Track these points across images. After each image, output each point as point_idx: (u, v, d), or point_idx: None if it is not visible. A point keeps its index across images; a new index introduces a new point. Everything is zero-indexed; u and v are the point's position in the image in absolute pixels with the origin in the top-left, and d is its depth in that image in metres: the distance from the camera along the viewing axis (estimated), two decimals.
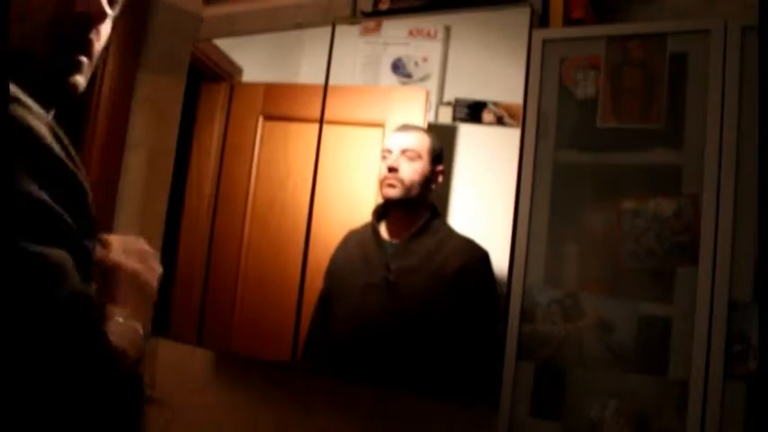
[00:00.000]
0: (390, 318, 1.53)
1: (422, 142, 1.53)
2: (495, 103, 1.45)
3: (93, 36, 0.66)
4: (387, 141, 1.58)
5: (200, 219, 1.90)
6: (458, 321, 1.46)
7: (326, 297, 1.64)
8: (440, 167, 1.52)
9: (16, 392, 0.47)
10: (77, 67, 0.65)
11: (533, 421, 1.26)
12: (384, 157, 1.56)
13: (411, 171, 1.52)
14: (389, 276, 1.52)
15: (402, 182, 1.52)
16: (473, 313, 1.45)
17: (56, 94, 0.64)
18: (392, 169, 1.53)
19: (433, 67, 1.56)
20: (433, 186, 1.52)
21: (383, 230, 1.57)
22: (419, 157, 1.52)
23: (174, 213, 1.95)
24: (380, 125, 1.60)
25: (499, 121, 1.44)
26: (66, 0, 0.62)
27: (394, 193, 1.53)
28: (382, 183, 1.55)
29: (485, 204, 1.43)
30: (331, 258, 1.63)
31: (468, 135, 1.48)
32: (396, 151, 1.54)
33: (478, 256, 1.43)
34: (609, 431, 1.19)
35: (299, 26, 1.87)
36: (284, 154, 1.75)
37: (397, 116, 1.58)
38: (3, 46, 0.56)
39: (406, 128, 1.57)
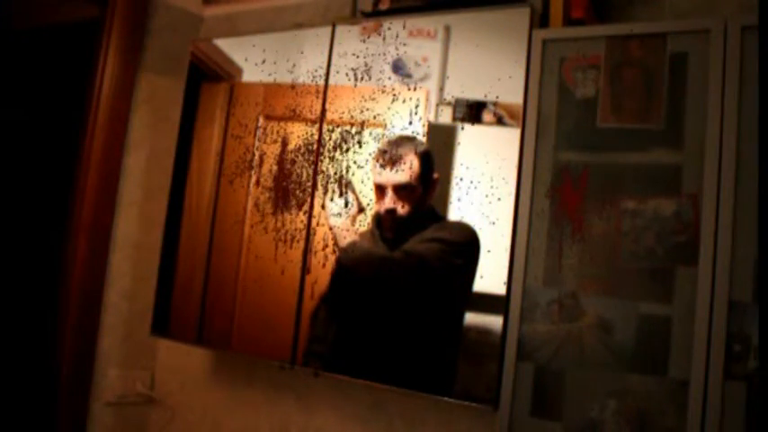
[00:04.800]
0: (392, 308, 1.54)
1: (412, 171, 1.53)
2: (495, 103, 1.45)
3: None
4: (378, 174, 1.57)
5: (200, 219, 1.90)
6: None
7: (330, 295, 1.64)
8: (434, 177, 1.52)
9: None
10: None
11: (533, 421, 1.27)
12: (377, 193, 1.57)
13: (408, 207, 1.54)
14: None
15: (401, 218, 1.54)
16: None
17: None
18: (390, 211, 1.54)
19: (433, 67, 1.56)
20: (432, 195, 1.53)
21: (384, 231, 1.58)
22: (412, 189, 1.53)
23: (174, 213, 1.95)
24: (381, 125, 1.60)
25: (499, 121, 1.44)
26: None
27: (395, 232, 1.55)
28: (378, 217, 1.58)
29: (484, 204, 1.43)
30: (337, 260, 1.63)
31: (468, 135, 1.48)
32: (389, 190, 1.54)
33: (465, 232, 1.46)
34: (609, 431, 1.19)
35: (299, 26, 1.87)
36: (285, 154, 1.75)
37: (397, 116, 1.58)
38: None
39: (395, 149, 1.55)
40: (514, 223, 1.35)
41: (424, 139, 1.55)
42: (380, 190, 1.57)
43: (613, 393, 1.20)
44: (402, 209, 1.54)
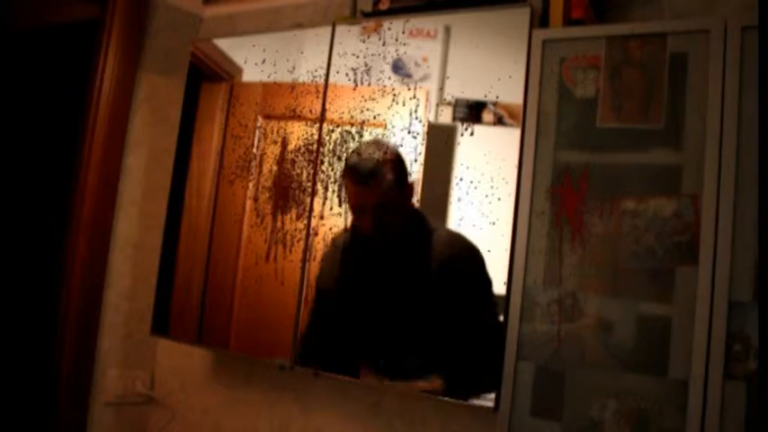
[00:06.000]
0: (379, 316, 1.53)
1: (385, 188, 1.49)
2: (495, 103, 1.45)
3: None
4: (350, 194, 1.55)
5: (200, 219, 1.90)
6: (448, 313, 1.46)
7: (319, 300, 1.64)
8: (409, 183, 1.50)
9: None
10: None
11: (533, 421, 1.26)
12: (353, 212, 1.55)
13: (385, 223, 1.50)
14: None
15: (384, 236, 1.51)
16: (466, 306, 1.45)
17: None
18: (372, 234, 1.51)
19: (433, 67, 1.56)
20: (410, 199, 1.51)
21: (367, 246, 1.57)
22: (388, 206, 1.49)
23: (174, 213, 1.95)
24: (381, 125, 1.60)
25: (499, 121, 1.44)
26: None
27: (381, 250, 1.53)
28: (358, 232, 1.55)
29: (484, 204, 1.43)
30: (320, 265, 1.64)
31: (467, 135, 1.48)
32: (365, 209, 1.51)
33: (467, 250, 1.43)
34: (609, 431, 1.19)
35: (299, 26, 1.87)
36: (284, 154, 1.75)
37: (397, 116, 1.58)
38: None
39: (364, 165, 1.51)
40: (514, 223, 1.35)
41: (391, 141, 1.54)
42: (356, 207, 1.55)
43: (613, 393, 1.20)
44: (382, 225, 1.50)
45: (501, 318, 1.34)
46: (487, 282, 1.39)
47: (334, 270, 1.62)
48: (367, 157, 1.53)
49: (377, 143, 1.55)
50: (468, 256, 1.43)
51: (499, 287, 1.35)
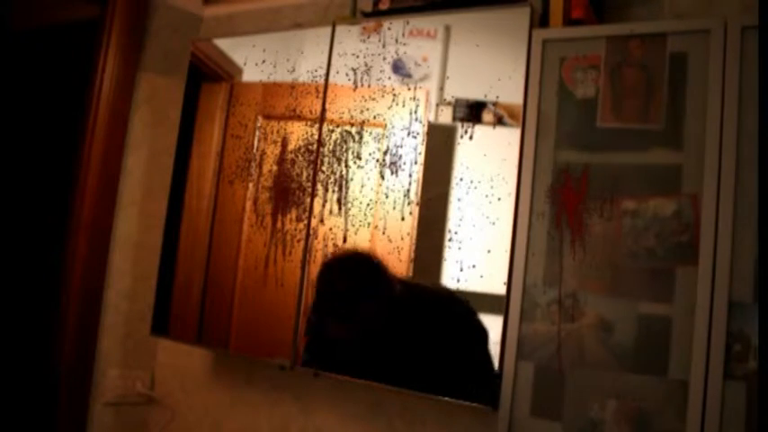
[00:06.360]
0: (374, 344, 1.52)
1: (369, 316, 1.42)
2: (495, 103, 1.45)
3: None
4: (330, 327, 1.51)
5: (199, 219, 1.90)
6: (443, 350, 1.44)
7: (316, 313, 1.63)
8: (395, 292, 1.46)
9: None
10: None
11: (533, 421, 1.27)
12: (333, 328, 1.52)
13: (372, 331, 1.45)
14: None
15: (366, 338, 1.47)
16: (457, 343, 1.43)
17: None
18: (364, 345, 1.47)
19: (433, 67, 1.56)
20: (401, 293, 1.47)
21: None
22: (375, 326, 1.44)
23: (174, 213, 1.95)
24: (381, 125, 1.60)
25: (499, 122, 1.44)
26: None
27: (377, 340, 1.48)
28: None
29: (484, 204, 1.43)
30: (315, 288, 1.61)
31: (467, 135, 1.48)
32: (351, 328, 1.46)
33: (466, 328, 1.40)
34: (609, 431, 1.19)
35: (299, 26, 1.87)
36: (284, 154, 1.75)
37: (397, 116, 1.58)
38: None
39: (344, 304, 1.41)
40: (514, 223, 1.35)
41: (369, 254, 1.52)
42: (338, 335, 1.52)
43: (613, 393, 1.20)
44: (370, 335, 1.46)
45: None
46: (488, 361, 1.35)
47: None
48: (344, 293, 1.44)
49: (353, 266, 1.50)
50: (464, 332, 1.41)
51: (499, 287, 1.35)
